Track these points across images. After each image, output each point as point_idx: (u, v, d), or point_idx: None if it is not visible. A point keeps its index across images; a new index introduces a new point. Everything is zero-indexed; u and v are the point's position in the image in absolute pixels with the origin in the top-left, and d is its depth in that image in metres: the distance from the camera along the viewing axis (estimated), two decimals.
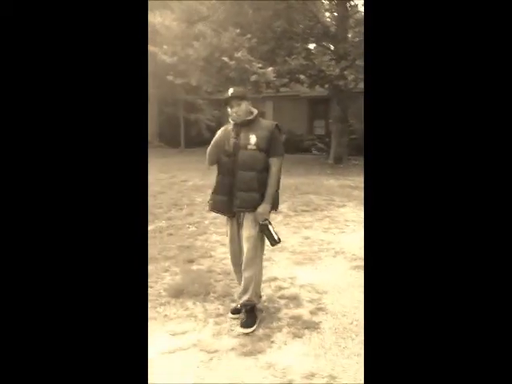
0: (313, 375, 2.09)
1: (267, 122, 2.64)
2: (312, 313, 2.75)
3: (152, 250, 4.10)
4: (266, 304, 2.90)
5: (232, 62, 8.73)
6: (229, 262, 3.76)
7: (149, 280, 3.39)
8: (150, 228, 5.10)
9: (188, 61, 9.59)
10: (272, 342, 2.42)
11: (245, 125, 2.59)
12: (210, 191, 2.71)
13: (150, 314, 2.83)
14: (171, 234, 4.72)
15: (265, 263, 3.67)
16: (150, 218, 5.61)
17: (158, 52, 9.97)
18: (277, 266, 3.61)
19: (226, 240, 2.82)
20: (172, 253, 4.02)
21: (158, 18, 9.56)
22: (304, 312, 2.76)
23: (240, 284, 2.69)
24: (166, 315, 2.79)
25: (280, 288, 3.16)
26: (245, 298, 2.60)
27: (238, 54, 8.60)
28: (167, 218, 5.56)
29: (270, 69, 8.90)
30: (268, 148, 2.53)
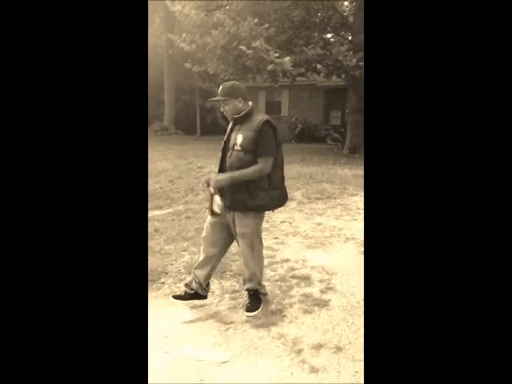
0: (321, 346, 2.27)
1: (257, 120, 2.44)
2: (322, 291, 2.92)
3: (171, 231, 4.31)
4: (278, 283, 3.08)
5: (249, 51, 8.81)
6: None
7: (169, 258, 3.61)
8: (168, 211, 5.32)
9: (206, 49, 9.71)
10: (284, 316, 2.60)
11: (237, 122, 2.54)
12: None
13: (171, 288, 3.05)
14: (189, 217, 4.92)
15: (278, 246, 3.86)
16: (167, 201, 5.83)
17: (177, 40, 10.12)
18: (289, 249, 3.78)
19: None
20: (190, 234, 4.22)
21: (177, 6, 9.68)
22: (314, 291, 2.93)
23: (196, 269, 2.71)
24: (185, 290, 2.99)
25: (292, 269, 3.33)
26: (248, 286, 2.70)
27: (256, 43, 8.68)
28: (184, 202, 5.77)
29: (287, 58, 8.96)
30: (254, 149, 2.40)
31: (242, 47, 8.85)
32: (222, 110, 2.57)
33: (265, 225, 4.51)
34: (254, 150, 2.41)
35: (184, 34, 9.88)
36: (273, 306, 2.72)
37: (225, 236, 2.66)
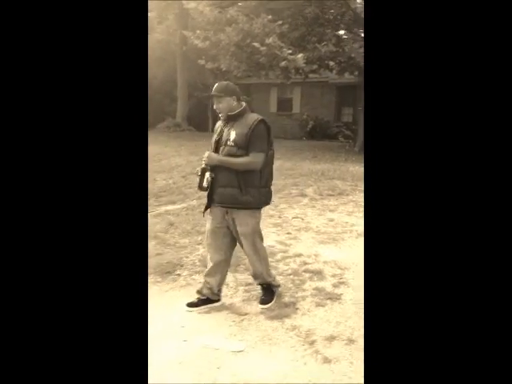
0: (333, 338, 2.33)
1: (253, 117, 2.53)
2: (334, 286, 2.97)
3: (185, 225, 4.40)
4: (291, 277, 3.14)
5: (263, 48, 8.86)
6: None
7: (184, 251, 3.69)
8: (182, 206, 5.41)
9: (219, 46, 9.78)
10: (297, 308, 2.67)
11: (230, 120, 2.58)
12: None
13: (187, 280, 3.13)
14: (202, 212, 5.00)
15: (290, 241, 3.92)
16: (181, 196, 5.92)
17: (191, 36, 10.20)
18: (302, 244, 3.84)
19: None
20: (204, 228, 4.28)
21: (191, 3, 9.75)
22: (327, 285, 2.99)
23: (206, 277, 2.74)
24: (200, 282, 3.07)
25: (305, 263, 3.39)
26: (259, 281, 2.77)
27: (269, 40, 8.72)
28: (198, 197, 5.85)
29: (300, 55, 8.99)
30: (247, 145, 2.46)
31: (256, 44, 8.90)
32: (215, 106, 2.61)
33: (277, 220, 4.58)
34: (246, 146, 2.47)
35: (198, 31, 9.96)
36: (286, 299, 2.78)
37: (228, 240, 2.69)
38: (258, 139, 2.49)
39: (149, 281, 3.11)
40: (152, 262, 3.41)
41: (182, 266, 3.39)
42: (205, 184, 2.59)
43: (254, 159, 2.48)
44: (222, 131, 2.62)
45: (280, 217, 4.71)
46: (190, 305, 2.71)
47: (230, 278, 3.14)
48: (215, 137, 2.65)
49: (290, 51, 8.99)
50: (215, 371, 2.06)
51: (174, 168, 8.34)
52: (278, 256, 3.54)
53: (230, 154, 2.50)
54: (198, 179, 2.62)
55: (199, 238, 3.99)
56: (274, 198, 5.55)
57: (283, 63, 9.09)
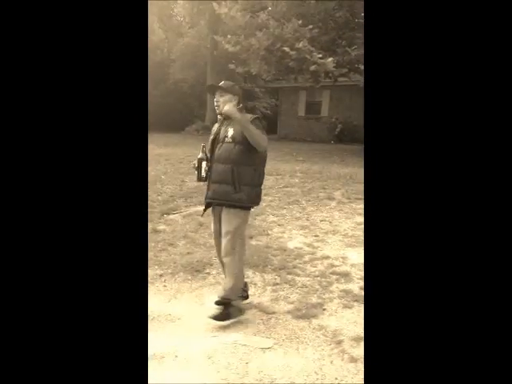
0: (360, 339, 2.35)
1: (248, 116, 2.51)
2: (362, 288, 2.98)
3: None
4: (318, 278, 3.17)
5: (293, 52, 8.91)
6: (284, 240, 4.09)
7: (213, 251, 3.77)
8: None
9: (249, 50, 9.89)
10: (324, 309, 2.70)
11: (227, 118, 2.57)
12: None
13: (216, 279, 3.21)
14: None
15: (318, 243, 3.95)
16: None
17: (222, 41, 10.37)
18: (329, 247, 3.86)
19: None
20: None
21: (223, 9, 9.92)
22: (354, 287, 3.01)
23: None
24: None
25: (332, 265, 3.41)
26: (222, 294, 2.57)
27: (299, 45, 8.77)
28: None
29: (330, 59, 8.99)
30: (245, 140, 2.43)
31: (286, 48, 8.96)
32: (215, 99, 2.60)
33: (304, 223, 4.61)
34: (244, 142, 2.44)
35: (229, 36, 10.11)
36: (313, 300, 2.82)
37: None
38: (258, 130, 2.45)
39: (179, 278, 3.22)
40: (182, 260, 3.52)
41: (211, 265, 3.47)
42: (203, 174, 2.60)
43: (262, 134, 2.45)
44: (218, 131, 2.63)
45: (308, 219, 4.74)
46: (218, 303, 2.62)
47: (257, 277, 3.21)
48: (211, 137, 2.66)
49: (319, 55, 9.00)
50: (243, 366, 2.12)
51: None
52: (306, 258, 3.58)
53: (227, 151, 2.49)
54: (195, 172, 2.63)
55: None
56: (302, 201, 5.61)
57: (313, 67, 9.10)
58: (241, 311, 2.63)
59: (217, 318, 2.52)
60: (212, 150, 2.61)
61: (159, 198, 5.79)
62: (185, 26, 19.26)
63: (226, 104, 2.49)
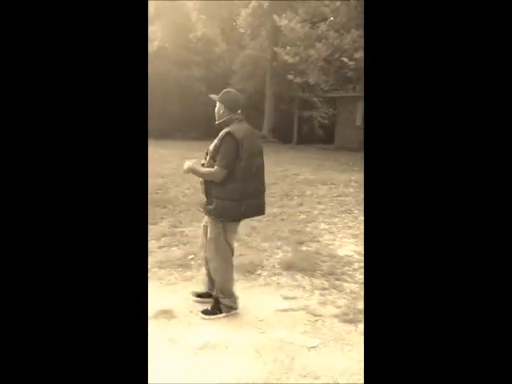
0: None
1: (224, 131, 2.57)
2: None
3: (266, 231, 4.64)
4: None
5: (351, 63, 8.94)
6: (334, 247, 4.14)
7: (265, 254, 3.92)
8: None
9: (308, 61, 10.05)
10: None
11: (219, 129, 2.67)
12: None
13: (266, 280, 3.35)
14: (283, 220, 5.22)
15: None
16: None
17: (282, 52, 10.61)
18: None
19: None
20: (284, 234, 4.51)
21: (284, 21, 10.16)
22: None
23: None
24: (278, 283, 3.28)
25: None
26: (214, 292, 2.78)
27: (358, 55, 8.78)
28: (279, 205, 6.09)
29: None
30: (216, 157, 2.57)
31: (344, 58, 9.01)
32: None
33: (355, 231, 4.62)
34: (214, 158, 2.58)
35: (288, 47, 10.34)
36: (360, 306, 2.86)
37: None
38: (223, 153, 2.52)
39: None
40: (235, 261, 3.69)
41: (262, 267, 3.61)
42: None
43: (214, 172, 2.56)
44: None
45: (359, 228, 4.75)
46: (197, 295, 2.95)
47: (306, 281, 3.30)
48: None
49: None
50: (289, 362, 2.23)
51: None
52: (355, 265, 3.62)
53: (209, 165, 2.62)
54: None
55: (279, 243, 4.21)
56: (355, 210, 5.61)
57: None
58: (231, 307, 2.77)
59: (206, 312, 2.74)
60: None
61: None
62: (246, 38, 19.80)
63: (216, 114, 2.69)
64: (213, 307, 2.76)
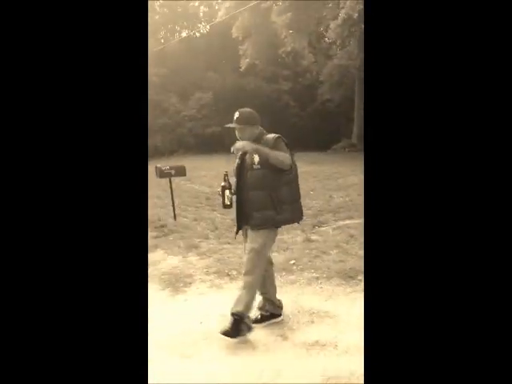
0: None
1: (270, 137, 2.55)
2: None
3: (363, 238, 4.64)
4: None
5: None
6: None
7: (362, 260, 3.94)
8: (359, 221, 5.65)
9: None
10: None
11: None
12: None
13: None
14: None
15: None
16: (357, 213, 6.16)
17: None
18: None
19: None
20: None
21: None
22: None
23: (261, 294, 2.75)
24: None
25: None
26: (236, 308, 2.52)
27: None
28: None
29: None
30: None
31: None
32: (237, 136, 2.59)
33: None
34: (271, 165, 2.46)
35: None
36: None
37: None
38: (280, 149, 2.49)
39: (334, 282, 3.47)
40: (336, 266, 3.77)
41: (362, 272, 3.64)
42: (227, 202, 2.66)
43: (284, 155, 2.47)
44: (243, 156, 2.62)
45: None
46: (255, 321, 2.71)
47: None
48: (237, 162, 2.66)
49: None
50: None
51: (350, 186, 8.64)
52: None
53: (257, 176, 2.51)
54: (221, 198, 2.71)
55: None
56: None
57: None
58: (250, 328, 2.57)
59: (227, 333, 2.50)
60: (239, 177, 2.63)
61: (309, 212, 6.16)
62: (334, 48, 19.81)
63: (249, 138, 2.52)
64: (236, 327, 2.52)
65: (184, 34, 23.62)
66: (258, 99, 18.82)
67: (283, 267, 3.83)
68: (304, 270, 3.75)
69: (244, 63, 18.13)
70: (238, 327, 2.50)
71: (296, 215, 2.65)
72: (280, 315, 2.80)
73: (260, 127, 2.63)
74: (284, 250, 4.36)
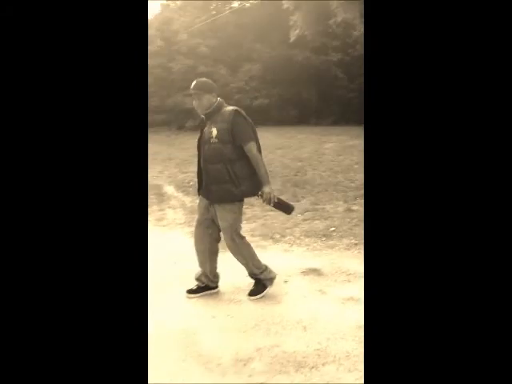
0: None
1: (228, 111, 2.57)
2: None
3: None
4: None
5: None
6: None
7: None
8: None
9: None
10: None
11: (209, 117, 2.62)
12: None
13: None
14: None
15: None
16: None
17: None
18: None
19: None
20: None
21: None
22: None
23: (200, 266, 2.84)
24: None
25: None
26: (247, 272, 2.84)
27: None
28: None
29: None
30: (232, 139, 2.53)
31: None
32: (193, 104, 2.64)
33: None
34: (231, 140, 2.53)
35: None
36: None
37: (211, 232, 2.78)
38: (242, 129, 2.55)
39: None
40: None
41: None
42: (290, 206, 2.81)
43: (253, 149, 2.56)
44: (202, 129, 2.68)
45: None
46: (190, 291, 2.85)
47: None
48: (199, 136, 2.72)
49: None
50: None
51: None
52: None
53: (215, 150, 2.55)
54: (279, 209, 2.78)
55: None
56: None
57: None
58: (271, 280, 2.84)
59: (253, 293, 2.79)
60: (199, 151, 2.70)
61: (352, 184, 6.30)
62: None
63: (205, 106, 2.59)
64: (257, 286, 2.83)
65: (235, 5, 23.50)
66: (306, 71, 18.63)
67: (323, 233, 4.09)
68: (343, 236, 3.99)
69: (294, 34, 17.88)
70: (259, 285, 2.83)
71: (256, 188, 2.66)
72: (215, 287, 2.90)
73: (219, 98, 2.66)
74: (325, 219, 4.60)
